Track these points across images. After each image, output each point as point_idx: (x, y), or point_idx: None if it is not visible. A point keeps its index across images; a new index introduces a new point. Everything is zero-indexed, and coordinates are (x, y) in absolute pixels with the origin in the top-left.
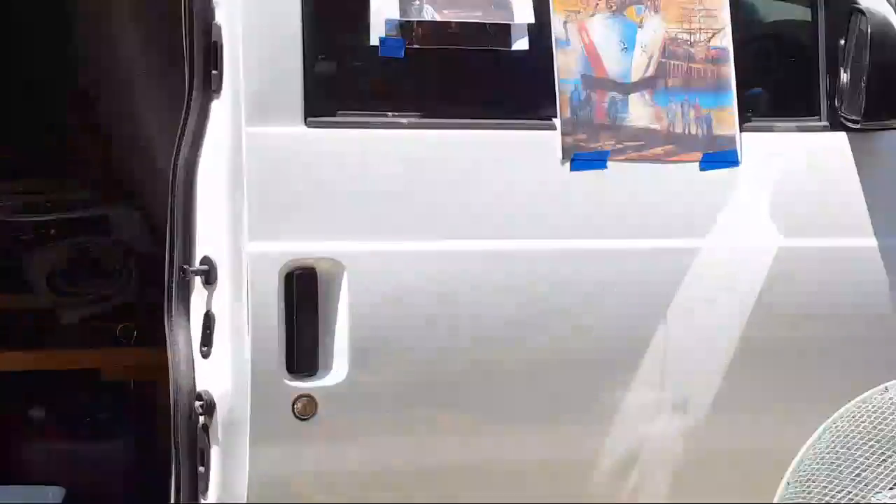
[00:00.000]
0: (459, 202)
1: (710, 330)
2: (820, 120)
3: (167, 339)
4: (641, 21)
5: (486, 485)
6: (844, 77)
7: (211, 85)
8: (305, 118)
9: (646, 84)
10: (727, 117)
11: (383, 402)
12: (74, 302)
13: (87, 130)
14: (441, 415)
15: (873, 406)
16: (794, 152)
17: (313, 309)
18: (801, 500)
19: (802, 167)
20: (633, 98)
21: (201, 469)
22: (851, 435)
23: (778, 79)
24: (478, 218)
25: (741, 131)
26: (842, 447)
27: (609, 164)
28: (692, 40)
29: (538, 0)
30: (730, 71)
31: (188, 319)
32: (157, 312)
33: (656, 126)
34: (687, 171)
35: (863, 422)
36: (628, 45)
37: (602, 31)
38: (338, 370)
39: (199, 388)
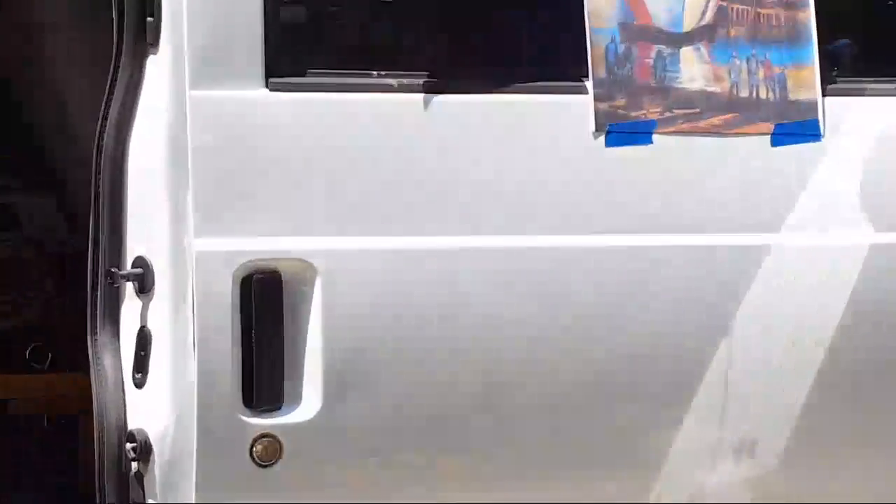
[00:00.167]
0: (463, 188)
1: (785, 350)
2: None
3: (90, 362)
4: None
5: None
6: None
7: (146, 36)
8: (267, 79)
9: (702, 34)
10: (806, 77)
11: (367, 444)
12: None
13: None
14: (442, 460)
15: None
16: (893, 122)
17: (277, 324)
18: None
19: None
20: (686, 52)
21: None
22: None
23: (872, 27)
24: (487, 208)
25: (824, 95)
26: None
27: (654, 137)
28: None
29: None
30: (809, 17)
31: (117, 338)
32: (77, 329)
33: (715, 88)
34: (754, 147)
35: None
36: None
37: None
38: (309, 403)
39: (130, 427)
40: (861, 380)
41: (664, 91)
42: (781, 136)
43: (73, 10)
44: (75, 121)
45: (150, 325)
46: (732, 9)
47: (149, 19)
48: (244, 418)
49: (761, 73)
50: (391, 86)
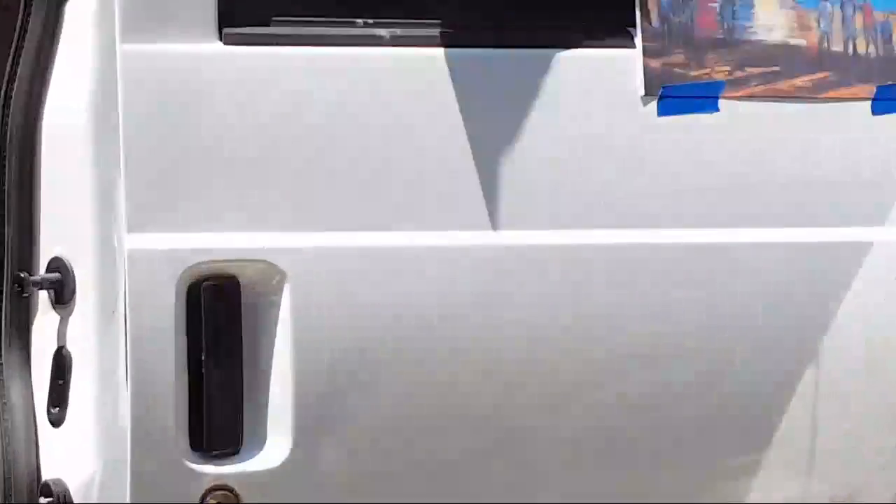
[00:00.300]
0: (473, 173)
1: (891, 372)
2: None
3: None
4: None
5: None
6: None
7: None
8: (220, 29)
9: None
10: None
11: (347, 498)
12: None
13: None
14: None
15: None
16: None
17: (235, 344)
18: None
19: None
20: None
21: None
22: None
23: None
24: (502, 194)
25: None
26: None
27: (722, 103)
28: None
29: None
30: None
31: (27, 362)
32: None
33: (800, 41)
34: (850, 116)
35: None
36: None
37: None
38: (274, 446)
39: (45, 476)
40: None
41: (734, 44)
42: (885, 102)
43: None
44: None
45: (71, 347)
46: None
47: None
48: (192, 466)
49: (859, 21)
50: (381, 38)
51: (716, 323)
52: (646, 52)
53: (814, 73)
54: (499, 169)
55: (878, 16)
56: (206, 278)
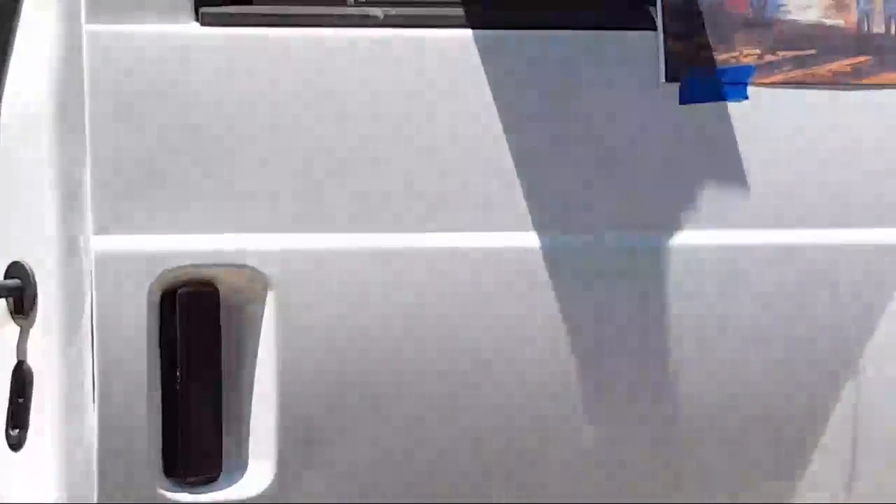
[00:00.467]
0: (476, 165)
1: None
2: None
3: None
4: None
5: None
6: None
7: None
8: (197, 9)
9: None
10: None
11: None
12: None
13: None
14: None
15: None
16: None
17: (213, 359)
18: None
19: None
20: None
21: None
22: None
23: None
24: (508, 193)
25: None
26: None
27: (751, 90)
28: None
29: None
30: None
31: None
32: None
33: (838, 21)
34: (892, 104)
35: None
36: None
37: None
38: (256, 473)
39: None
40: None
41: (765, 24)
42: None
43: None
44: None
45: (31, 361)
46: None
47: None
48: (166, 494)
49: None
50: (375, 17)
51: (747, 327)
52: (668, 34)
53: (853, 56)
54: (503, 165)
55: None
56: (182, 285)
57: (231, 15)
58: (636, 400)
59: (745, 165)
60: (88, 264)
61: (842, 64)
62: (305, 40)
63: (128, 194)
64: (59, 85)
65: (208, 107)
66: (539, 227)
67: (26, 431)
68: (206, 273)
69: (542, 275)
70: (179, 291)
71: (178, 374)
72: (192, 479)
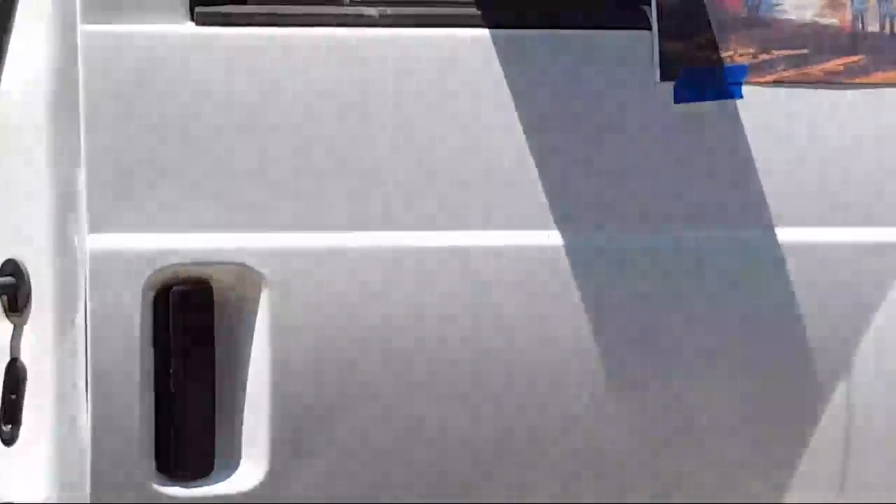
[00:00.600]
0: (474, 165)
1: None
2: None
3: None
4: None
5: None
6: None
7: None
8: (192, 8)
9: None
10: None
11: None
12: None
13: None
14: None
15: None
16: None
17: (206, 356)
18: None
19: None
20: None
21: None
22: None
23: None
24: (503, 192)
25: None
26: None
27: (745, 90)
28: None
29: None
30: None
31: None
32: None
33: (832, 20)
34: (889, 105)
35: None
36: None
37: None
38: (249, 468)
39: None
40: None
41: (760, 24)
42: None
43: None
44: None
45: (25, 358)
46: None
47: None
48: (158, 489)
49: None
50: (371, 17)
51: (745, 325)
52: (662, 33)
53: (847, 56)
54: (500, 164)
55: None
56: (176, 283)
57: (226, 15)
58: (634, 399)
59: (741, 164)
60: (83, 262)
61: (836, 63)
62: (301, 40)
63: (122, 193)
64: (54, 84)
65: (203, 106)
66: (538, 226)
67: (19, 427)
68: (200, 271)
69: (542, 274)
70: (173, 289)
71: (171, 370)
72: (184, 475)
